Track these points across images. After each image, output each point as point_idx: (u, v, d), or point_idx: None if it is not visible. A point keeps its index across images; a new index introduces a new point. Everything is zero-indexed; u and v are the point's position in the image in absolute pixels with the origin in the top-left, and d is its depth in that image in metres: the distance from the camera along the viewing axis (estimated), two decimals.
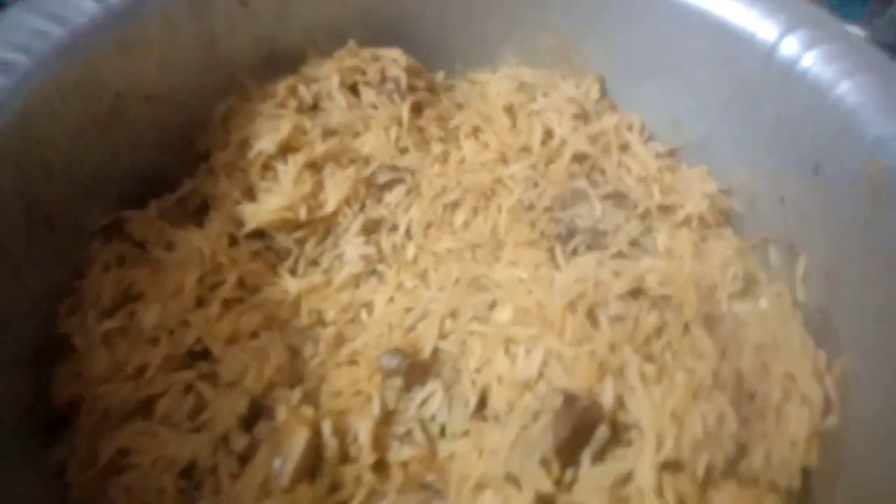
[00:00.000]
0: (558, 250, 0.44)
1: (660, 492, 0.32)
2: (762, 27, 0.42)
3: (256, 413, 0.36)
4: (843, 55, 0.39)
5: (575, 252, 0.44)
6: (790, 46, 0.41)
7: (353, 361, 0.40)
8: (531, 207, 0.47)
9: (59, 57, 0.35)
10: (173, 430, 0.34)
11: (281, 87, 0.47)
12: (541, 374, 0.36)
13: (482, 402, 0.37)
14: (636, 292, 0.38)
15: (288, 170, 0.44)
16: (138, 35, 0.39)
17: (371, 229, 0.45)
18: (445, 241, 0.45)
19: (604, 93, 0.53)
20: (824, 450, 0.36)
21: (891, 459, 0.32)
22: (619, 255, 0.43)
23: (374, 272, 0.44)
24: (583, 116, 0.51)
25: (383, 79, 0.49)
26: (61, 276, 0.38)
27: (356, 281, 0.44)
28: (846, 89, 0.38)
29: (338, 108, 0.47)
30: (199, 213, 0.45)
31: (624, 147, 0.51)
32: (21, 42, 0.34)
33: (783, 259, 0.44)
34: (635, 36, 0.50)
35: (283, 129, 0.45)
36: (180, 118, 0.45)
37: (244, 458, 0.34)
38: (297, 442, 0.33)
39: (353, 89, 0.49)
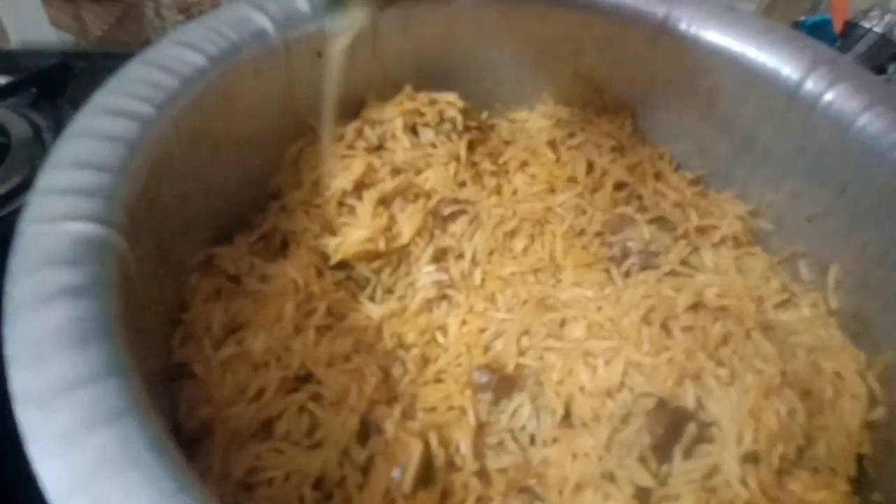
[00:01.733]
0: (614, 271, 0.48)
1: (743, 481, 0.36)
2: (787, 66, 0.47)
3: (366, 430, 0.38)
4: (863, 90, 0.44)
5: (629, 273, 0.49)
6: (814, 84, 0.46)
7: (439, 379, 0.43)
8: (582, 233, 0.51)
9: (174, 105, 0.38)
10: (296, 447, 0.36)
11: (349, 130, 0.51)
12: (622, 383, 0.40)
13: (567, 412, 0.41)
14: (697, 306, 0.43)
15: (364, 205, 0.47)
16: (234, 83, 0.43)
17: (440, 257, 0.49)
18: (509, 266, 0.49)
19: (634, 126, 0.58)
20: (875, 438, 0.40)
21: None
22: (672, 273, 0.47)
23: (445, 297, 0.48)
24: (619, 149, 0.56)
25: (441, 120, 0.53)
26: (172, 308, 0.40)
27: (430, 306, 0.47)
28: (868, 119, 0.43)
29: (401, 148, 0.51)
30: (281, 248, 0.48)
31: (658, 175, 0.55)
32: (143, 93, 0.37)
33: (813, 272, 0.49)
34: (663, 73, 0.55)
35: (357, 168, 0.48)
36: (259, 161, 0.48)
37: (365, 470, 0.36)
38: (413, 452, 0.36)
39: (413, 130, 0.53)
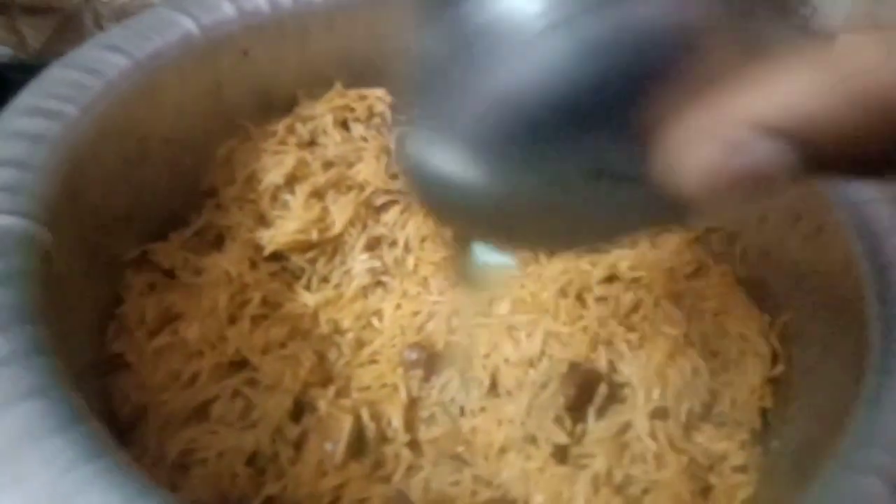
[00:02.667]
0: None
1: (653, 435, 0.39)
2: None
3: (300, 409, 0.40)
4: None
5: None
6: None
7: (374, 360, 0.45)
8: None
9: (98, 106, 0.39)
10: (230, 429, 0.38)
11: (280, 127, 0.52)
12: (542, 352, 0.42)
13: (493, 383, 0.43)
14: (612, 277, 0.46)
15: (297, 198, 0.49)
16: (159, 83, 0.44)
17: (373, 245, 0.51)
18: (440, 252, 0.51)
19: None
20: (776, 392, 0.43)
21: (827, 394, 0.40)
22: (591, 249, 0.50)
23: (379, 283, 0.50)
24: None
25: (371, 115, 0.55)
26: (104, 302, 0.41)
27: (365, 292, 0.49)
28: None
29: (333, 142, 0.53)
30: (216, 242, 0.49)
31: None
32: (65, 94, 0.38)
33: (723, 245, 0.52)
34: None
35: (288, 162, 0.50)
36: (190, 159, 0.50)
37: (298, 446, 0.38)
38: (344, 427, 0.38)
39: (344, 125, 0.55)
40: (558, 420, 0.38)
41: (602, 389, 0.39)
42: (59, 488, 0.22)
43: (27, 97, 0.37)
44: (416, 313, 0.48)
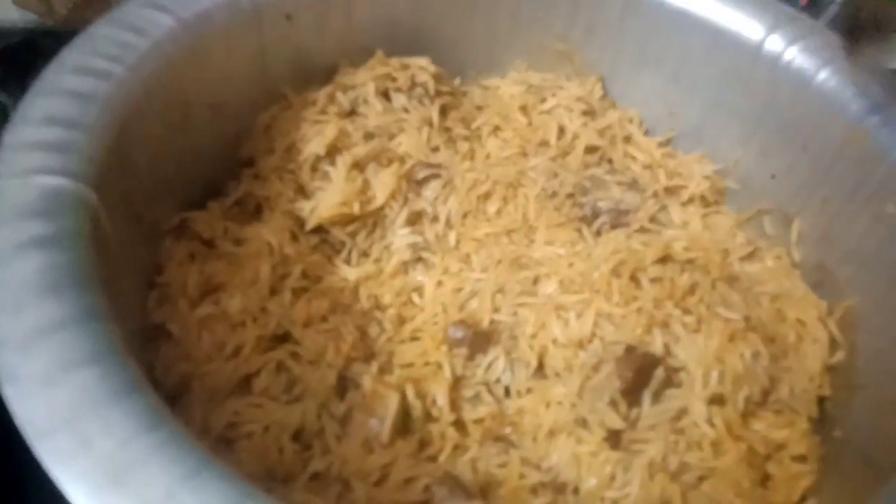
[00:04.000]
0: (585, 230, 0.49)
1: (710, 422, 0.37)
2: (748, 27, 0.48)
3: (343, 385, 0.39)
4: (821, 47, 0.45)
5: (600, 231, 0.50)
6: (775, 42, 0.47)
7: (415, 337, 0.44)
8: (554, 195, 0.52)
9: (144, 66, 0.38)
10: (274, 402, 0.37)
11: (321, 96, 0.51)
12: (593, 333, 0.41)
13: (541, 364, 0.42)
14: (665, 259, 0.44)
15: (338, 169, 0.47)
16: (205, 47, 0.43)
17: (414, 220, 0.49)
18: (483, 228, 0.49)
19: (605, 91, 0.59)
20: (835, 381, 0.42)
21: (892, 377, 0.38)
22: (642, 230, 0.48)
23: (420, 259, 0.48)
24: (590, 113, 0.57)
25: (413, 84, 0.53)
26: (147, 270, 0.40)
27: (405, 268, 0.48)
28: (827, 74, 0.45)
29: (374, 113, 0.51)
30: (255, 212, 0.48)
31: (627, 139, 0.56)
32: (112, 52, 0.37)
33: (777, 227, 0.50)
34: (632, 38, 0.56)
35: (329, 132, 0.48)
36: (232, 127, 0.48)
37: (344, 422, 0.37)
38: (390, 404, 0.37)
39: (386, 95, 0.53)
40: (612, 403, 0.37)
41: (659, 373, 0.38)
42: (121, 458, 0.21)
43: (74, 54, 0.36)
44: (458, 290, 0.46)
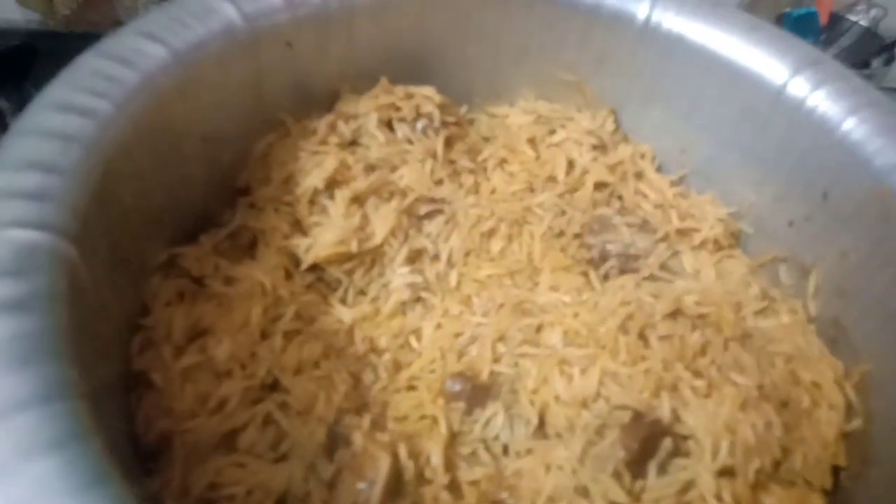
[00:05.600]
0: (592, 274, 0.47)
1: (718, 496, 0.35)
2: (772, 68, 0.46)
3: (333, 441, 0.37)
4: (848, 94, 0.43)
5: (607, 276, 0.48)
6: (798, 86, 0.45)
7: (411, 387, 0.42)
8: (561, 234, 0.50)
9: (133, 101, 0.36)
10: (260, 461, 0.35)
11: (322, 125, 0.49)
12: (598, 393, 0.39)
13: (542, 422, 0.40)
14: (676, 313, 0.42)
15: (337, 204, 0.46)
16: (199, 78, 0.41)
17: (414, 258, 0.47)
18: (485, 268, 0.47)
19: (617, 124, 0.57)
20: (851, 450, 0.40)
21: None
22: (651, 277, 0.46)
23: (419, 300, 0.46)
24: (601, 147, 0.55)
25: (418, 115, 0.51)
26: (132, 312, 0.38)
27: (403, 309, 0.46)
28: (852, 124, 0.42)
29: (376, 144, 0.49)
30: (249, 247, 0.46)
31: (639, 175, 0.54)
32: (99, 88, 0.35)
33: (793, 277, 0.48)
34: (646, 69, 0.53)
35: (329, 164, 0.47)
36: (226, 156, 0.46)
37: (332, 485, 0.35)
38: (381, 466, 0.35)
39: (389, 124, 0.51)
40: (616, 474, 0.35)
41: (666, 444, 0.36)
42: None
43: (57, 90, 0.34)
44: (457, 335, 0.44)
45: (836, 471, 0.40)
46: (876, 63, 0.88)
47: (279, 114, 0.49)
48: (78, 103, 0.33)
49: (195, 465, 0.34)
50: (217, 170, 0.46)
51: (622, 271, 0.47)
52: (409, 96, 0.51)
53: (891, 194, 0.40)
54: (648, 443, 0.35)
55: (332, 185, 0.47)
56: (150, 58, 0.38)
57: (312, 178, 0.46)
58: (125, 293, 0.37)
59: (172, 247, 0.43)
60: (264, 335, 0.41)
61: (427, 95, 0.51)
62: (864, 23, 0.88)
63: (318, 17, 0.47)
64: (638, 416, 0.36)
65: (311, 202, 0.47)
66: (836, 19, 0.86)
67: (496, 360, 0.42)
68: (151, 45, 0.38)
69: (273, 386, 0.39)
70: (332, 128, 0.49)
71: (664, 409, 0.37)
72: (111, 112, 0.35)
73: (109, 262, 0.34)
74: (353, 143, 0.50)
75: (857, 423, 0.40)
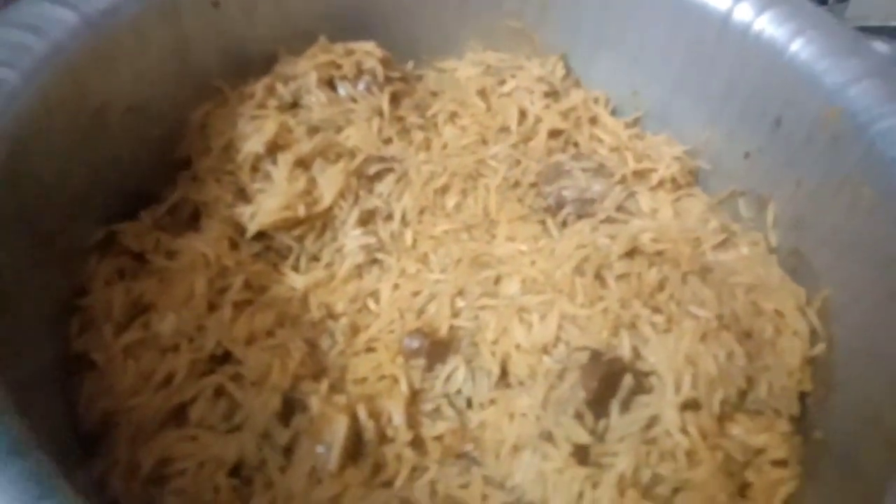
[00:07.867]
0: (549, 222, 0.46)
1: (684, 430, 0.35)
2: None
3: (290, 407, 0.36)
4: (793, 15, 0.42)
5: (565, 222, 0.46)
6: (743, 11, 0.44)
7: (370, 349, 0.41)
8: (517, 184, 0.49)
9: (43, 71, 0.34)
10: (211, 433, 0.34)
11: (259, 88, 0.47)
12: (557, 337, 0.38)
13: (504, 372, 0.39)
14: (633, 252, 0.41)
15: (280, 169, 0.44)
16: (113, 45, 0.38)
17: (367, 219, 0.46)
18: (441, 224, 0.46)
19: (567, 70, 0.55)
20: (816, 375, 0.39)
21: (875, 378, 0.36)
22: (608, 220, 0.45)
23: (375, 261, 0.45)
24: (552, 94, 0.53)
25: (359, 72, 0.49)
26: (66, 294, 0.37)
27: (359, 272, 0.45)
28: (799, 45, 0.41)
29: (318, 104, 0.48)
30: (191, 220, 0.44)
31: (593, 120, 0.53)
32: (4, 57, 0.33)
33: (752, 210, 0.48)
34: (590, 13, 0.52)
35: (269, 128, 0.45)
36: (159, 129, 0.44)
37: (288, 451, 0.34)
38: (338, 428, 0.34)
39: (330, 84, 0.49)
40: (578, 416, 0.34)
41: (627, 381, 0.35)
42: None
43: None
44: (416, 293, 0.43)
45: (802, 397, 0.39)
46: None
47: (212, 81, 0.47)
48: None
49: (142, 443, 0.33)
50: (149, 144, 0.44)
51: (579, 216, 0.46)
52: (350, 53, 0.49)
53: (840, 114, 0.39)
54: (608, 381, 0.34)
55: (274, 149, 0.45)
56: (59, 24, 0.36)
57: (252, 143, 0.44)
58: (53, 274, 0.35)
59: (109, 225, 0.41)
60: (213, 307, 0.39)
61: (368, 51, 0.50)
62: None
63: None
64: (596, 355, 0.35)
65: (254, 169, 0.45)
66: None
67: (455, 314, 0.41)
68: (61, 11, 0.36)
69: (225, 357, 0.38)
70: (271, 91, 0.48)
71: (624, 347, 0.36)
72: (18, 83, 0.33)
73: (28, 242, 0.32)
74: (294, 106, 0.48)
75: (821, 348, 0.40)
